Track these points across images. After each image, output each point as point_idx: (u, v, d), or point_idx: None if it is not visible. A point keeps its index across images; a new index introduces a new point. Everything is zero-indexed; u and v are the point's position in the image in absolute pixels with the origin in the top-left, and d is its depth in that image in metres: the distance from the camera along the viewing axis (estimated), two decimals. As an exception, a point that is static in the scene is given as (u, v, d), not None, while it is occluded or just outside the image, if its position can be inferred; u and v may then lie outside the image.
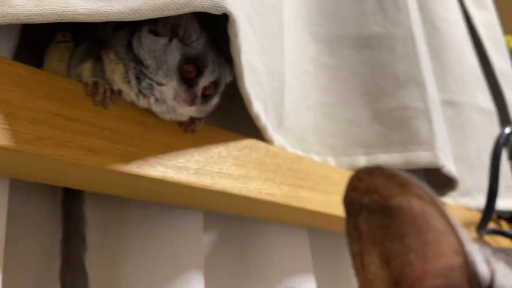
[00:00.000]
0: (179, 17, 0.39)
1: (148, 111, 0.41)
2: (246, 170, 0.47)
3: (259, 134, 0.50)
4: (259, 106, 0.48)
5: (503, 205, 0.85)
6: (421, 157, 0.64)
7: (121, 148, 0.38)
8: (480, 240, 0.75)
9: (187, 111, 0.41)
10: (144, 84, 0.39)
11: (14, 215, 0.40)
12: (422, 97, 0.67)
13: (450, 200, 0.78)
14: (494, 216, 0.83)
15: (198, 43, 0.41)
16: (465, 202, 0.82)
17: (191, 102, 0.40)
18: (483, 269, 0.22)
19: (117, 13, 0.35)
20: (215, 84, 0.42)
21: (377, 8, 0.70)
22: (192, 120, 0.43)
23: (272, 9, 0.53)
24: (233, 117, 0.49)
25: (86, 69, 0.40)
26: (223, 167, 0.45)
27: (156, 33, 0.40)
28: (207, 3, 0.37)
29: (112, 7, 0.35)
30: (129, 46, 0.40)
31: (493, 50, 1.10)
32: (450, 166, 0.68)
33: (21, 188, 0.42)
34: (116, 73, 0.39)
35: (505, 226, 0.90)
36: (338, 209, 0.52)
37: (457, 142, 0.84)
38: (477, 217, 0.78)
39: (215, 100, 0.43)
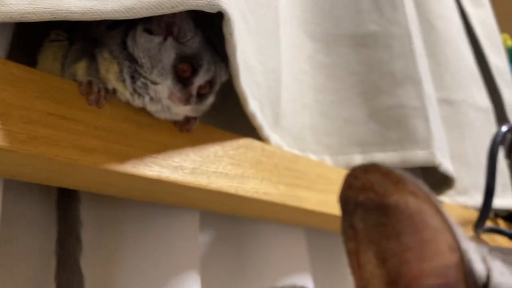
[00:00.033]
0: (173, 15, 0.39)
1: (143, 110, 0.41)
2: (242, 169, 0.47)
3: (255, 133, 0.50)
4: (255, 105, 0.47)
5: (500, 204, 0.85)
6: (418, 156, 0.64)
7: (116, 147, 0.38)
8: (477, 238, 0.75)
9: (182, 110, 0.41)
10: (138, 83, 0.39)
11: (8, 216, 0.40)
12: (418, 96, 0.67)
13: (447, 199, 0.78)
14: (491, 214, 0.83)
15: (193, 41, 0.41)
16: (462, 200, 0.82)
17: (186, 101, 0.40)
18: (479, 267, 0.22)
19: (111, 12, 0.34)
20: (210, 83, 0.42)
21: (373, 7, 0.70)
22: (188, 119, 0.43)
23: (267, 8, 0.53)
24: (228, 116, 0.49)
25: (80, 68, 0.39)
26: (219, 167, 0.45)
27: (150, 32, 0.39)
28: (201, 2, 0.36)
29: (106, 6, 0.35)
30: (124, 45, 0.39)
31: (489, 48, 1.10)
32: (447, 165, 0.67)
33: (15, 188, 0.42)
34: (111, 72, 0.39)
35: (502, 224, 0.90)
36: (335, 208, 0.51)
37: (454, 141, 0.84)
38: (474, 215, 0.78)
39: (210, 99, 0.42)
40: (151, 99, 0.40)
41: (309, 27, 0.69)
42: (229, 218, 0.55)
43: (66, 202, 0.43)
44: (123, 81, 0.39)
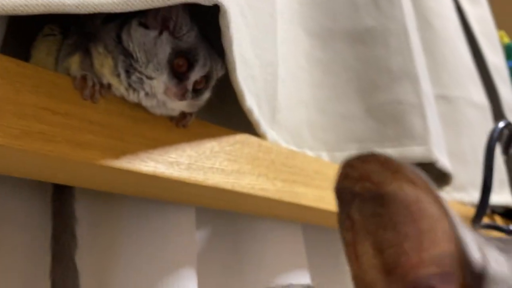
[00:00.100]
0: (169, 9, 0.38)
1: (138, 106, 0.40)
2: (239, 165, 0.46)
3: (251, 129, 0.49)
4: (252, 100, 0.47)
5: (497, 200, 0.85)
6: (415, 152, 0.64)
7: (111, 142, 0.37)
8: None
9: (178, 106, 0.41)
10: (133, 77, 0.38)
11: (2, 212, 0.40)
12: (416, 92, 0.67)
13: (444, 195, 0.78)
14: (488, 211, 0.83)
15: (189, 36, 0.40)
16: (460, 197, 0.82)
17: (182, 97, 0.39)
18: (475, 255, 0.22)
19: (106, 4, 0.34)
20: (206, 78, 0.41)
21: (370, 2, 0.70)
22: (184, 115, 0.42)
23: (264, 1, 0.53)
24: (225, 112, 0.49)
25: (74, 63, 0.39)
26: (215, 162, 0.44)
27: (146, 26, 0.39)
28: (197, -6, 0.36)
29: (100, -1, 0.34)
30: (118, 39, 0.39)
31: (486, 45, 1.10)
32: (444, 161, 0.67)
33: (9, 184, 0.41)
34: (105, 67, 0.39)
35: (499, 221, 0.90)
36: (332, 204, 0.51)
37: (451, 137, 0.84)
38: (471, 212, 0.78)
39: (206, 95, 0.42)
40: (147, 94, 0.39)
41: (305, 23, 0.69)
42: (226, 214, 0.55)
43: (61, 198, 0.43)
44: (118, 75, 0.38)
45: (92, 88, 0.37)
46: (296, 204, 0.52)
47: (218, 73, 0.43)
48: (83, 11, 0.33)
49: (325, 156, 0.64)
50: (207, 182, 0.43)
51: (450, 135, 0.84)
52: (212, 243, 0.54)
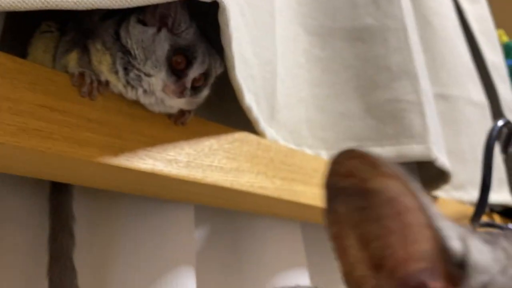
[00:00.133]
0: (168, 6, 0.38)
1: (136, 103, 0.40)
2: (237, 163, 0.46)
3: (250, 127, 0.49)
4: (251, 98, 0.47)
5: (496, 199, 0.85)
6: (414, 150, 0.64)
7: (109, 140, 0.37)
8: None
9: (176, 103, 0.41)
10: (132, 75, 0.38)
11: (3, 211, 0.40)
12: (415, 90, 0.66)
13: (443, 194, 0.78)
14: (487, 209, 0.83)
15: (187, 33, 0.40)
16: (458, 195, 0.82)
17: (180, 94, 0.39)
18: (454, 244, 0.22)
19: (104, 0, 0.34)
20: (205, 75, 0.41)
21: (369, 0, 0.70)
22: (182, 112, 0.42)
23: (263, 0, 0.53)
24: (224, 109, 0.49)
25: (72, 59, 0.39)
26: (214, 160, 0.44)
27: (144, 23, 0.39)
28: (196, -9, 0.36)
29: (98, -5, 0.34)
30: (117, 36, 0.39)
31: (485, 44, 1.10)
32: (443, 159, 0.67)
33: (6, 182, 0.41)
34: (103, 64, 0.38)
35: (497, 219, 0.90)
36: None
37: (450, 136, 0.84)
38: (470, 210, 0.78)
39: (205, 92, 0.42)
40: (145, 91, 0.39)
41: (305, 21, 0.68)
42: (224, 212, 0.55)
43: (58, 196, 0.43)
44: (116, 72, 0.38)
45: (90, 85, 0.37)
46: (295, 202, 0.51)
47: (217, 70, 0.42)
48: (81, 7, 0.33)
49: (324, 155, 0.64)
50: (205, 180, 0.43)
51: (449, 133, 0.84)
52: (211, 241, 0.54)
